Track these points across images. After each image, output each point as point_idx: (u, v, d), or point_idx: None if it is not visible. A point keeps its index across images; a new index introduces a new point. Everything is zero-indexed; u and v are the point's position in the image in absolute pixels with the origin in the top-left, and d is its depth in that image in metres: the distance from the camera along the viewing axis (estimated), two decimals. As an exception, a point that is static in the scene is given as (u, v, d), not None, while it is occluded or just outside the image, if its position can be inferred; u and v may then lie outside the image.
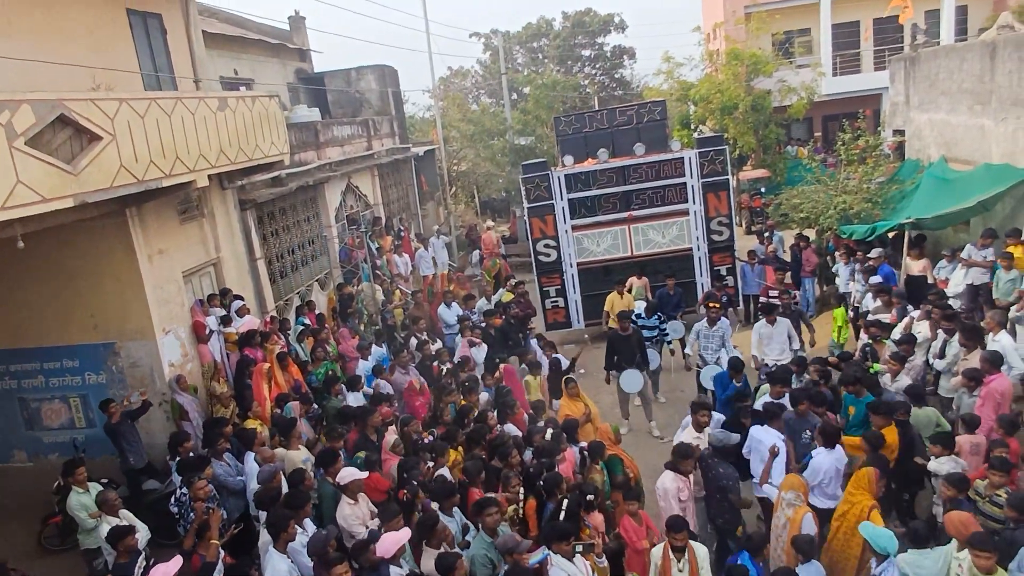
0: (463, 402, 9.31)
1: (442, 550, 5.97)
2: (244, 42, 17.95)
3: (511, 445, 7.59)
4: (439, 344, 12.64)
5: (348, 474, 7.04)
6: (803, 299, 14.23)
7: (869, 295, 11.25)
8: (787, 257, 15.32)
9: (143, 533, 7.09)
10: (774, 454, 7.13)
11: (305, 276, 14.98)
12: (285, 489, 7.21)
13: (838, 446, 7.04)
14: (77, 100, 7.37)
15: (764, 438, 7.35)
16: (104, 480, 8.30)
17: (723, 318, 11.17)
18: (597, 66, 45.02)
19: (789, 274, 13.87)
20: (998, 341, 8.35)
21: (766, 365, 10.04)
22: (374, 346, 12.10)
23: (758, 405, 8.16)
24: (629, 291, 13.80)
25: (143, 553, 6.69)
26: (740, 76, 22.53)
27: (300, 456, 8.06)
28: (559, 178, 14.50)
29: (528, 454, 7.90)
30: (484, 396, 9.83)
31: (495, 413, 8.90)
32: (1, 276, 9.58)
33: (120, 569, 6.33)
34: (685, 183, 14.36)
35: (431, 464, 7.60)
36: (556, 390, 9.75)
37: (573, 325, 15.17)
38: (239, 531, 7.33)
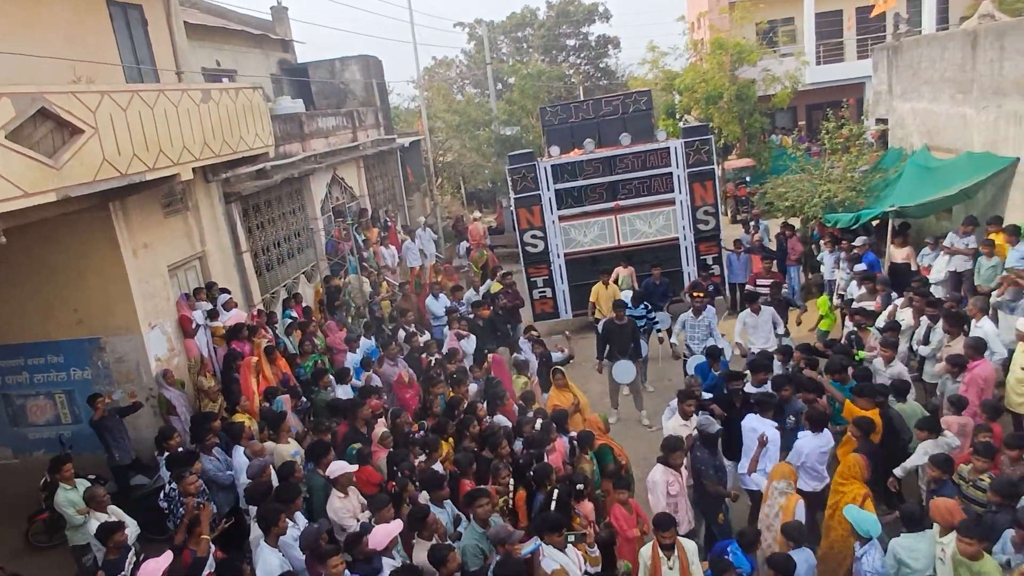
0: (451, 394, 9.33)
1: (434, 542, 5.99)
2: (226, 33, 17.76)
3: (501, 436, 7.61)
4: (427, 336, 12.63)
5: (338, 468, 7.05)
6: (789, 288, 14.33)
7: (854, 283, 11.36)
8: (773, 246, 15.41)
9: (132, 529, 7.07)
10: (763, 443, 7.18)
11: (291, 269, 14.90)
12: (275, 483, 7.20)
13: (825, 430, 7.11)
14: (58, 93, 7.27)
15: (757, 427, 7.37)
16: (92, 476, 8.26)
17: (709, 307, 11.24)
18: (582, 56, 44.93)
19: (775, 263, 13.96)
20: (980, 327, 8.46)
21: (752, 353, 10.11)
22: (363, 338, 12.08)
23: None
24: (616, 281, 13.85)
25: (133, 549, 6.66)
26: (725, 65, 22.58)
27: (289, 450, 8.05)
28: (545, 169, 14.49)
29: (518, 445, 7.92)
30: (473, 387, 9.84)
31: (484, 404, 8.93)
32: (-17, 272, 9.48)
33: (110, 565, 6.31)
34: (671, 173, 14.38)
35: (423, 458, 7.60)
36: (547, 383, 9.77)
37: (561, 315, 15.21)
38: (229, 525, 7.31)
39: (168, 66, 11.49)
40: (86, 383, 9.77)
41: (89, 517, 7.09)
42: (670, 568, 5.84)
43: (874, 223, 13.04)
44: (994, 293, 9.60)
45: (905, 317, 9.61)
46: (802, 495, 6.68)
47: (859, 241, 12.76)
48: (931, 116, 14.14)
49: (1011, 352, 8.15)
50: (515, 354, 10.94)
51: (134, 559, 6.41)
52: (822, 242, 13.83)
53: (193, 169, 9.76)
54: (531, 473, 6.97)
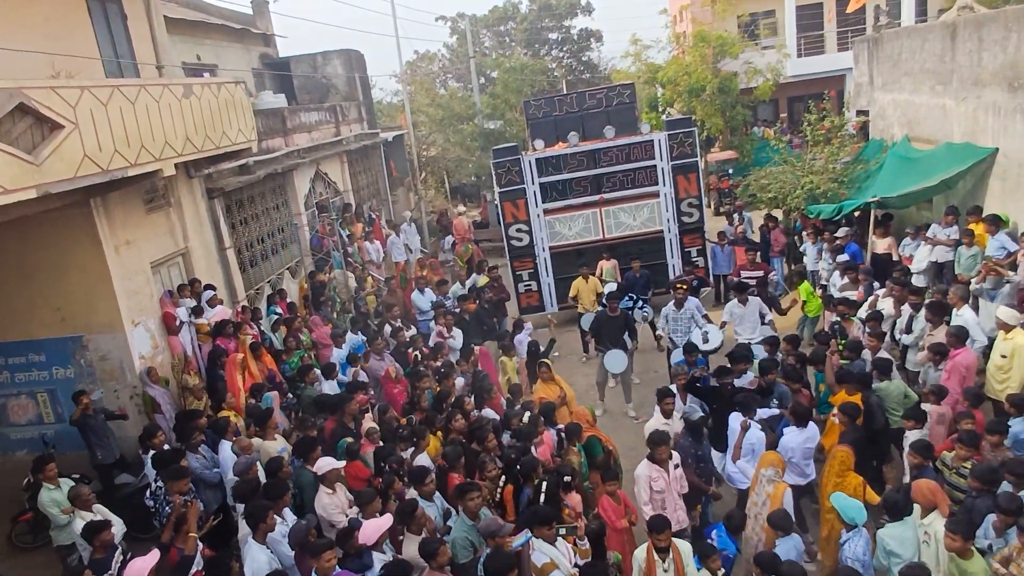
0: (438, 388, 9.33)
1: (423, 535, 6.00)
2: (206, 27, 17.57)
3: (488, 429, 7.62)
4: (413, 331, 12.61)
5: (325, 464, 7.03)
6: (772, 280, 14.42)
7: (836, 273, 11.46)
8: (756, 237, 15.53)
9: (118, 527, 7.02)
10: (745, 428, 7.22)
11: (276, 264, 14.81)
12: (262, 479, 7.18)
13: (811, 424, 7.17)
14: (37, 88, 7.18)
15: (738, 426, 7.39)
16: (75, 475, 8.18)
17: (692, 299, 11.31)
18: (564, 49, 44.89)
19: (759, 254, 14.05)
20: (961, 316, 8.56)
21: (743, 344, 10.13)
22: (349, 334, 12.04)
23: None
24: (600, 274, 13.90)
25: (119, 548, 6.61)
26: (707, 58, 22.69)
27: (276, 446, 8.02)
28: (530, 162, 14.49)
29: (507, 437, 7.94)
30: (460, 381, 9.84)
31: (472, 398, 8.93)
32: (-39, 271, 9.35)
33: (97, 564, 6.25)
34: (655, 166, 14.43)
35: (411, 452, 7.60)
36: (535, 375, 9.80)
37: (546, 308, 15.23)
38: (217, 523, 7.28)
39: (148, 61, 11.37)
40: (69, 382, 9.67)
41: (74, 516, 7.03)
42: (665, 571, 5.73)
43: (856, 214, 13.16)
44: (973, 281, 9.73)
45: (886, 306, 9.72)
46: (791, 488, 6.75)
47: (841, 232, 12.88)
48: (911, 107, 14.28)
49: (992, 340, 8.26)
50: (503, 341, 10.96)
51: (121, 558, 6.36)
52: (805, 233, 13.94)
53: (175, 165, 9.66)
54: (518, 467, 6.98)
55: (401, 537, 6.27)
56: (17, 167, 6.81)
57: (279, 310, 12.64)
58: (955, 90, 12.34)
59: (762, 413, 7.40)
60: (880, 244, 12.38)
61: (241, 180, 13.15)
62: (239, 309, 11.92)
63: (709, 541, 6.07)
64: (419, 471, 6.84)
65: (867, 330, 8.81)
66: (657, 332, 12.36)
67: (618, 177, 14.55)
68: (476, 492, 6.23)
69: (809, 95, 22.98)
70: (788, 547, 5.82)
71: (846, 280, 10.99)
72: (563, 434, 7.71)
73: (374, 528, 5.95)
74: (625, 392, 11.26)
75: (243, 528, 6.43)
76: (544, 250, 14.92)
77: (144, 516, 7.50)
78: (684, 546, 5.90)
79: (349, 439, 7.92)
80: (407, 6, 54.58)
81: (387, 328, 12.39)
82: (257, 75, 19.91)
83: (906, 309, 9.37)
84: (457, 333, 11.74)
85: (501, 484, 7.00)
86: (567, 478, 6.75)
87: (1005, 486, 5.82)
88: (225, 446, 7.97)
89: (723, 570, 5.80)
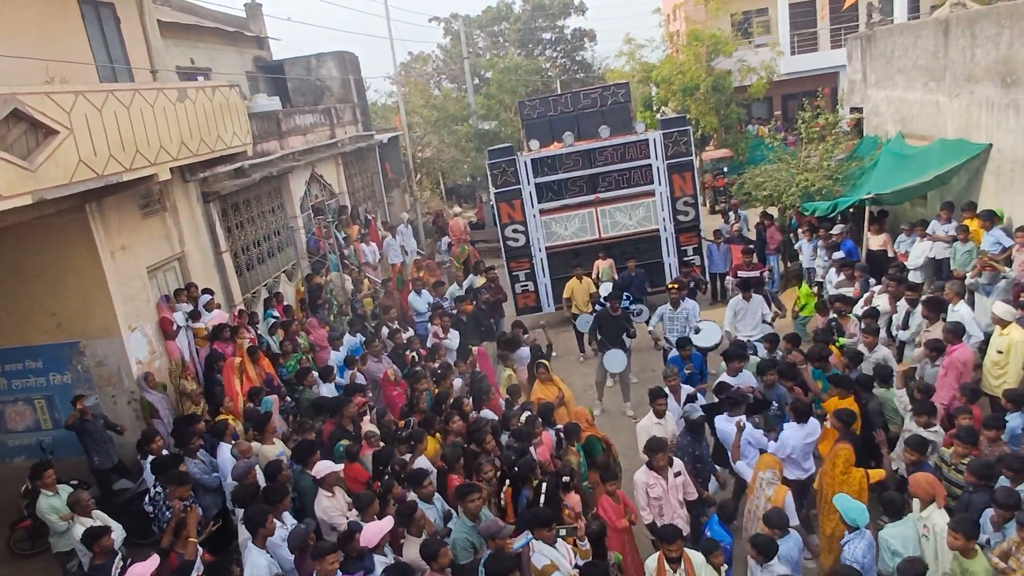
0: (436, 390, 9.32)
1: (423, 537, 6.00)
2: (199, 30, 17.55)
3: (486, 430, 7.62)
4: (410, 332, 12.61)
5: (324, 467, 7.03)
6: (768, 277, 14.46)
7: (832, 270, 11.49)
8: (752, 235, 15.55)
9: (118, 533, 7.00)
10: (740, 428, 7.24)
11: (272, 268, 14.80)
12: (261, 483, 7.17)
13: (811, 419, 7.19)
14: (31, 94, 7.16)
15: (726, 428, 7.41)
16: (74, 481, 8.16)
17: (689, 300, 11.33)
18: (558, 49, 44.95)
19: (755, 252, 14.08)
20: (957, 311, 8.59)
21: (739, 341, 10.15)
22: (347, 336, 12.03)
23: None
24: (596, 274, 13.92)
25: (119, 553, 6.60)
26: (700, 57, 22.69)
27: (275, 450, 8.00)
28: (525, 163, 14.50)
29: (506, 438, 7.93)
30: (458, 382, 9.83)
31: (470, 400, 8.93)
32: (-43, 278, 9.32)
33: (97, 570, 6.24)
34: (650, 165, 14.46)
35: (408, 456, 7.59)
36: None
37: (544, 309, 15.24)
38: (217, 528, 7.27)
39: (142, 65, 11.35)
40: (66, 388, 9.64)
41: (74, 522, 7.01)
42: None
43: (851, 211, 13.19)
44: (968, 275, 9.77)
45: (882, 303, 9.75)
46: (787, 483, 6.76)
47: (836, 229, 12.91)
48: (905, 104, 14.31)
49: (988, 335, 8.29)
50: (500, 350, 10.94)
51: (120, 564, 6.35)
52: (800, 231, 13.97)
53: (171, 169, 9.65)
54: (516, 469, 6.96)
55: (402, 540, 6.27)
56: (12, 173, 6.80)
57: (276, 313, 12.63)
58: (948, 86, 12.37)
59: (755, 437, 7.37)
60: (874, 241, 12.41)
61: (236, 184, 13.13)
62: (236, 313, 11.91)
63: (705, 535, 6.10)
64: (418, 473, 6.84)
65: (862, 326, 8.84)
66: (649, 329, 12.36)
67: (613, 177, 14.57)
68: (476, 493, 6.23)
69: (803, 92, 23.03)
70: (789, 546, 5.84)
71: (842, 277, 11.02)
72: (562, 434, 7.71)
73: (375, 531, 5.95)
74: (623, 391, 11.27)
75: (243, 533, 6.42)
76: (540, 250, 14.93)
77: (143, 521, 7.49)
78: (696, 556, 5.71)
79: (347, 441, 7.91)
80: (401, 8, 54.57)
81: (384, 330, 12.38)
82: (251, 78, 19.89)
83: (902, 305, 9.40)
84: (453, 334, 11.74)
85: (505, 486, 6.99)
86: (566, 478, 6.76)
87: (1003, 481, 5.84)
88: (224, 450, 7.96)
89: (726, 566, 5.81)
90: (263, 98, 16.74)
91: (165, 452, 8.16)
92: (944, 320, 8.44)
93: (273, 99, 17.09)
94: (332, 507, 6.85)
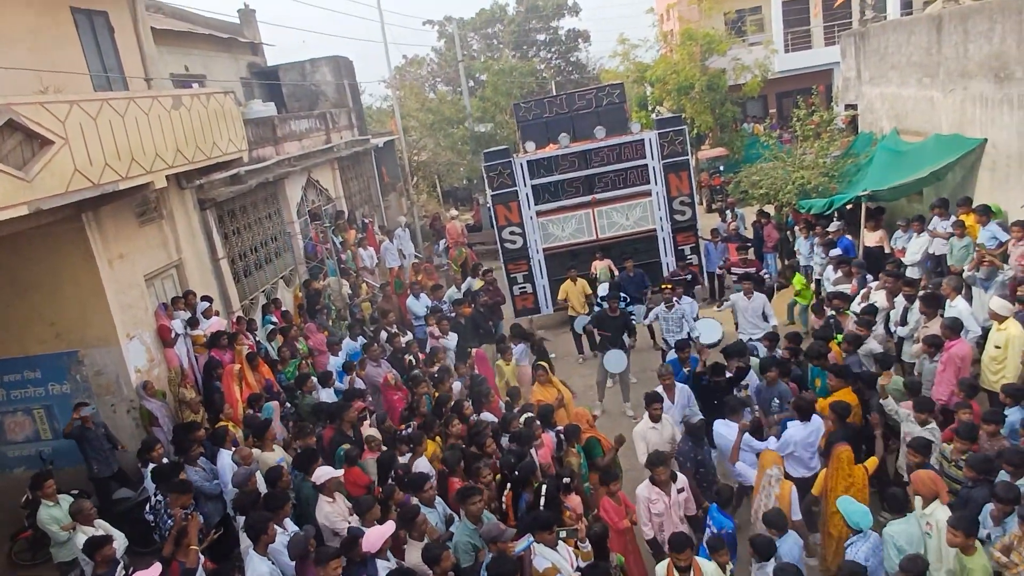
0: (436, 393, 9.32)
1: (425, 542, 6.00)
2: (193, 37, 17.53)
3: (486, 434, 7.62)
4: (409, 336, 12.61)
5: (324, 473, 7.02)
6: (766, 275, 14.48)
7: (830, 267, 11.51)
8: (749, 234, 15.57)
9: (120, 541, 7.00)
10: (744, 429, 7.23)
11: (270, 274, 14.79)
12: (262, 490, 7.16)
13: (815, 417, 7.20)
14: (26, 104, 7.16)
15: (725, 432, 7.39)
16: (74, 491, 8.14)
17: (685, 298, 11.32)
18: (553, 50, 44.98)
19: (751, 250, 14.11)
20: (955, 307, 8.61)
21: (738, 340, 10.16)
22: (347, 340, 12.02)
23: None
24: (594, 275, 13.92)
25: (121, 563, 6.59)
26: (695, 56, 22.74)
27: (274, 457, 8.00)
28: (521, 165, 14.51)
29: (507, 441, 7.94)
30: (457, 386, 9.84)
31: (470, 402, 8.93)
32: (-46, 289, 9.30)
33: (99, 580, 6.23)
34: (646, 165, 14.47)
35: (408, 457, 7.59)
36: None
37: (542, 310, 15.24)
38: (218, 536, 7.25)
39: (137, 73, 11.34)
40: (65, 397, 9.63)
41: (75, 532, 7.00)
42: None
43: (847, 208, 13.22)
44: (966, 268, 9.79)
45: (879, 299, 9.77)
46: (790, 479, 6.76)
47: (833, 226, 12.94)
48: (899, 100, 14.34)
49: (986, 330, 8.30)
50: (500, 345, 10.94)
51: (123, 573, 6.34)
52: (797, 228, 13.99)
53: (167, 176, 9.65)
54: (516, 473, 6.92)
55: (404, 546, 6.26)
56: (8, 184, 6.80)
57: (274, 319, 12.62)
58: (942, 82, 12.40)
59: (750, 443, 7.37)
60: (871, 237, 12.44)
61: (233, 190, 13.13)
62: (235, 320, 11.91)
63: (708, 527, 6.08)
64: (418, 477, 6.84)
65: (855, 320, 8.87)
66: (644, 322, 12.32)
67: (610, 177, 14.58)
68: (478, 496, 6.23)
69: (798, 90, 23.09)
70: (789, 545, 5.84)
71: (839, 274, 11.04)
72: (562, 436, 7.71)
73: (377, 535, 5.94)
74: (623, 391, 11.28)
75: (244, 540, 6.41)
76: (538, 252, 14.93)
77: (144, 530, 7.47)
78: (708, 567, 5.64)
79: (347, 446, 7.91)
80: (395, 11, 54.64)
81: (383, 334, 12.38)
82: (246, 84, 19.88)
83: (899, 301, 9.42)
84: (452, 336, 11.74)
85: (506, 489, 6.98)
86: (566, 480, 6.75)
87: (1002, 475, 5.85)
88: (223, 456, 7.95)
89: (731, 564, 5.82)
90: (258, 104, 16.73)
91: (165, 460, 8.15)
92: (942, 316, 8.46)
93: (268, 105, 17.07)
94: (333, 513, 6.85)
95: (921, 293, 9.20)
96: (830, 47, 24.95)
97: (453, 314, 12.81)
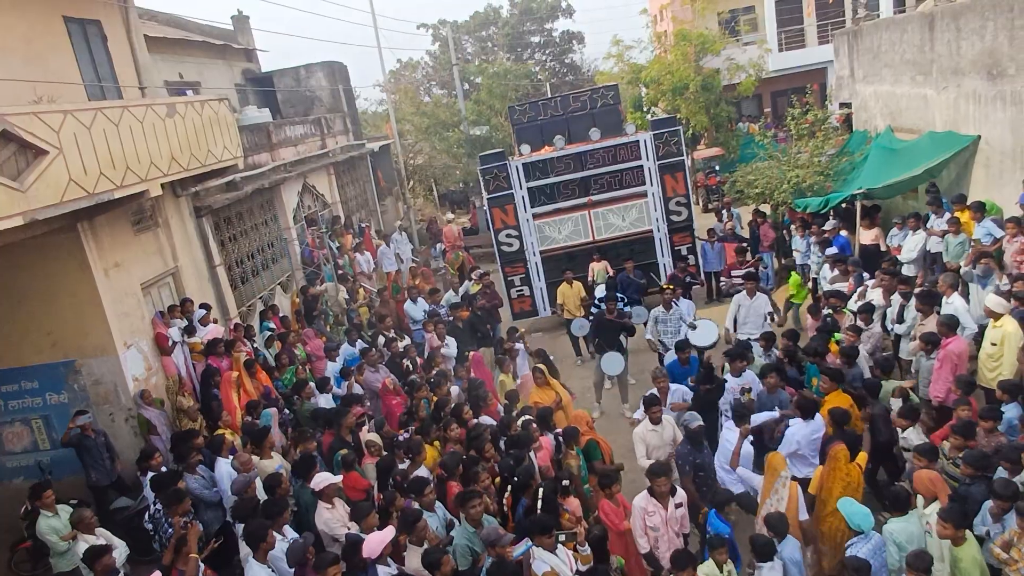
0: (434, 398, 9.31)
1: (425, 547, 5.99)
2: (187, 44, 17.54)
3: (485, 438, 7.61)
4: (407, 340, 12.59)
5: (322, 479, 7.02)
6: (763, 274, 14.50)
7: (826, 266, 11.52)
8: (745, 233, 15.59)
9: (121, 550, 6.99)
10: (745, 434, 7.22)
11: (267, 280, 14.78)
12: (261, 497, 7.15)
13: (817, 416, 7.20)
14: (19, 114, 7.16)
15: (732, 438, 7.34)
16: (73, 500, 8.12)
17: (683, 299, 11.30)
18: (547, 52, 45.07)
19: (748, 250, 14.12)
20: (951, 304, 8.62)
21: (741, 341, 10.12)
22: (345, 345, 12.01)
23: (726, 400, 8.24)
24: (592, 276, 13.93)
25: (121, 572, 6.58)
26: (689, 56, 22.77)
27: (273, 464, 7.98)
28: (517, 167, 14.52)
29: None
30: (455, 390, 9.82)
31: (469, 407, 8.92)
32: (-50, 300, 9.29)
33: (99, 590, 6.22)
34: (642, 166, 14.48)
35: (407, 463, 7.58)
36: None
37: (539, 313, 15.25)
38: (219, 545, 7.24)
39: (130, 81, 11.34)
40: (63, 407, 9.61)
41: (76, 541, 6.98)
42: None
43: (843, 206, 13.24)
44: (962, 263, 9.82)
45: (875, 297, 9.78)
46: (794, 479, 6.75)
47: (829, 225, 12.95)
48: (893, 98, 14.38)
49: (983, 327, 8.31)
50: (497, 355, 10.92)
51: (124, 582, 6.34)
52: (793, 227, 14.01)
53: (162, 185, 9.65)
54: (515, 478, 6.89)
55: (404, 552, 6.26)
56: (2, 194, 6.80)
57: (272, 326, 12.60)
58: (935, 80, 12.44)
59: (757, 418, 7.37)
60: (866, 235, 12.46)
61: (228, 197, 13.12)
62: (232, 327, 11.90)
63: (708, 533, 6.09)
64: (418, 482, 6.84)
65: (848, 324, 8.88)
66: (647, 336, 12.37)
67: (605, 179, 14.60)
68: (477, 500, 6.23)
69: (792, 89, 23.09)
70: (790, 548, 5.83)
71: (836, 273, 11.05)
72: (561, 439, 7.71)
73: (377, 541, 5.93)
74: (622, 393, 11.28)
75: (243, 548, 6.40)
76: (535, 254, 14.94)
77: (143, 539, 7.45)
78: (704, 568, 5.65)
79: (343, 451, 7.90)
80: (388, 16, 54.63)
81: (380, 339, 12.37)
82: (240, 90, 19.89)
83: (896, 299, 9.43)
84: (451, 341, 11.73)
85: (506, 493, 6.97)
86: (565, 483, 6.74)
87: (1001, 472, 5.86)
88: (221, 464, 7.94)
89: (731, 563, 5.82)
90: (253, 110, 16.74)
91: (164, 468, 8.13)
92: (938, 313, 8.47)
93: (263, 111, 17.08)
94: (333, 519, 6.84)
95: (917, 290, 9.21)
96: (824, 46, 25.04)
97: (451, 318, 12.80)
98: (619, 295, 12.27)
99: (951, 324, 7.94)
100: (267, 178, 14.90)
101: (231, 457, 7.97)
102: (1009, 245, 9.37)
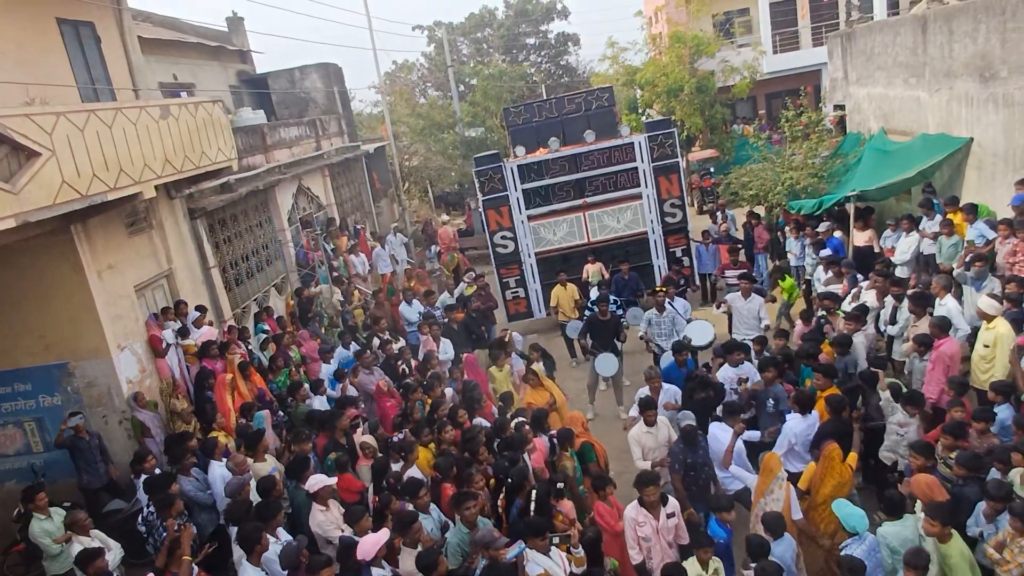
0: (429, 400, 9.30)
1: (419, 549, 5.99)
2: (181, 46, 17.51)
3: (480, 440, 7.60)
4: (402, 342, 12.58)
5: (317, 481, 7.00)
6: (757, 275, 14.53)
7: (820, 268, 11.55)
8: (740, 235, 15.62)
9: (116, 552, 6.97)
10: (739, 433, 7.23)
11: (261, 282, 14.76)
12: (254, 499, 7.14)
13: (813, 412, 7.23)
14: (12, 116, 7.14)
15: (722, 436, 7.36)
16: (66, 503, 8.10)
17: (679, 300, 11.31)
18: (542, 54, 45.10)
19: (742, 251, 14.15)
20: (944, 305, 8.65)
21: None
22: (340, 348, 12.00)
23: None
24: (586, 278, 13.94)
25: (115, 575, 6.56)
26: (683, 58, 22.82)
27: (267, 467, 7.97)
28: (512, 169, 14.52)
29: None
30: (448, 391, 9.81)
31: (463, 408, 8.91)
32: (-58, 302, 9.25)
33: (91, 593, 6.20)
34: (636, 168, 14.50)
35: (400, 465, 7.57)
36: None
37: (535, 315, 15.25)
38: (213, 549, 7.22)
39: (124, 83, 11.32)
40: (56, 410, 9.58)
41: (71, 543, 6.95)
42: None
43: (837, 208, 13.27)
44: (955, 264, 9.85)
45: (869, 298, 9.81)
46: (791, 476, 6.78)
47: (823, 227, 12.99)
48: (886, 100, 14.43)
49: (975, 329, 8.34)
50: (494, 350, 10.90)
51: (117, 585, 6.32)
52: (787, 229, 14.05)
53: (156, 187, 9.62)
54: (509, 480, 6.87)
55: (399, 557, 6.25)
56: (-5, 197, 6.77)
57: (267, 328, 12.58)
58: (928, 82, 12.49)
59: (738, 448, 7.38)
60: (860, 237, 12.49)
61: (223, 199, 13.10)
62: (226, 329, 11.87)
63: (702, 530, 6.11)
64: (413, 484, 6.83)
65: (845, 314, 8.94)
66: (640, 334, 12.39)
67: (600, 181, 14.61)
68: (472, 501, 6.23)
69: (786, 91, 23.23)
70: (785, 547, 5.85)
71: (830, 274, 11.07)
72: (555, 440, 7.70)
73: (372, 543, 5.92)
74: (616, 394, 11.29)
75: (237, 550, 6.39)
76: (530, 256, 14.94)
77: (137, 542, 7.43)
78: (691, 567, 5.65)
79: (334, 454, 7.88)
80: (383, 18, 54.64)
81: (375, 341, 12.35)
82: (235, 92, 19.86)
83: (889, 300, 9.46)
84: (447, 344, 11.71)
85: (501, 495, 6.96)
86: (560, 485, 6.74)
87: (994, 473, 5.88)
88: (215, 467, 7.92)
89: (719, 561, 5.83)
90: (247, 112, 16.73)
91: (158, 471, 8.11)
92: (931, 314, 8.50)
93: (258, 112, 17.07)
94: (327, 521, 6.83)
95: (910, 292, 9.24)
96: (818, 48, 25.11)
97: (445, 320, 12.79)
98: (613, 297, 12.30)
99: (943, 325, 7.97)
100: (262, 180, 14.88)
101: (225, 460, 7.95)
102: (1001, 247, 9.42)
